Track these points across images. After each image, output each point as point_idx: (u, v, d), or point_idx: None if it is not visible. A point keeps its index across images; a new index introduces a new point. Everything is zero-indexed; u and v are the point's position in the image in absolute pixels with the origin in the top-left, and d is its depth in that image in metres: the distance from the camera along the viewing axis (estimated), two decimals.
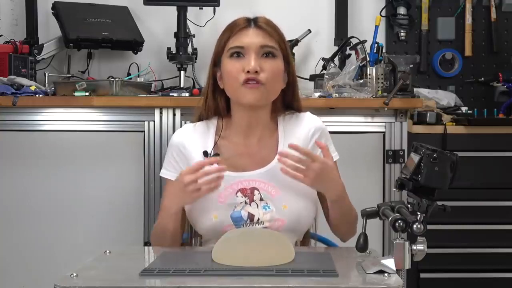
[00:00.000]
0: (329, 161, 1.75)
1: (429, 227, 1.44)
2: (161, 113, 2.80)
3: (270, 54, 1.81)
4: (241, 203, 1.79)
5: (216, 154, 1.85)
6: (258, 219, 1.78)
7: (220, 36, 1.86)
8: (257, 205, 1.79)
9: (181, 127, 2.04)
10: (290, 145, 1.71)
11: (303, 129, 1.89)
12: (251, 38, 1.81)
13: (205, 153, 1.86)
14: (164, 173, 1.92)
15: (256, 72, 1.77)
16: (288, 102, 1.92)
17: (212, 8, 3.13)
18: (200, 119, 1.93)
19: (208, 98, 1.90)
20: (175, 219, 1.78)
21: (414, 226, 1.41)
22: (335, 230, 1.91)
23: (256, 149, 1.87)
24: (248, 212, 1.79)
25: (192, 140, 1.89)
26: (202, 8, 3.20)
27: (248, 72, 1.77)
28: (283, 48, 1.85)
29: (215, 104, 1.90)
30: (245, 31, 1.82)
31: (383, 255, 1.52)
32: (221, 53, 1.84)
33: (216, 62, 1.87)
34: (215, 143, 1.87)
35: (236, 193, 1.80)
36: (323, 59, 3.22)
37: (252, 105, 1.82)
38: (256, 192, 1.80)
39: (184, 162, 1.88)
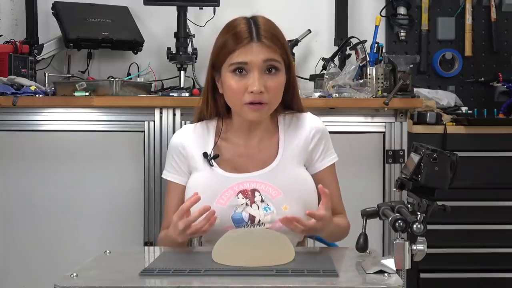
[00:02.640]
0: (328, 213, 1.71)
1: (429, 227, 1.44)
2: (161, 113, 2.79)
3: (273, 69, 1.78)
4: (242, 204, 1.79)
5: (216, 156, 1.85)
6: (259, 220, 1.78)
7: (220, 40, 1.81)
8: (258, 206, 1.79)
9: (181, 127, 2.04)
10: (308, 213, 1.68)
11: (304, 130, 1.89)
12: (255, 54, 1.75)
13: (205, 155, 1.85)
14: (166, 174, 1.92)
15: (261, 92, 1.75)
16: (288, 102, 1.92)
17: (212, 8, 3.13)
18: (200, 120, 1.93)
19: (207, 100, 1.90)
20: (183, 244, 1.78)
21: (414, 226, 1.41)
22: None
23: (257, 150, 1.87)
24: (249, 214, 1.79)
25: (192, 141, 1.89)
26: (202, 8, 3.20)
27: (252, 92, 1.75)
28: (285, 58, 1.81)
29: (214, 105, 1.89)
30: (248, 46, 1.75)
31: (383, 255, 1.52)
32: (222, 62, 1.79)
33: (215, 67, 1.84)
34: (215, 144, 1.87)
35: (237, 195, 1.80)
36: (323, 59, 3.22)
37: (255, 122, 1.82)
38: (256, 193, 1.80)
39: (184, 163, 1.89)
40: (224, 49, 1.79)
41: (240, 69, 1.77)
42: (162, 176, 1.94)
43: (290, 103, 1.92)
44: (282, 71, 1.81)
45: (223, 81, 1.81)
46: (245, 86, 1.76)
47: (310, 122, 1.91)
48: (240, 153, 1.87)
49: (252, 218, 1.78)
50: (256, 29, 1.78)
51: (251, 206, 1.79)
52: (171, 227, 1.72)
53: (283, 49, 1.81)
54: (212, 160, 1.84)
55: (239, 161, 1.86)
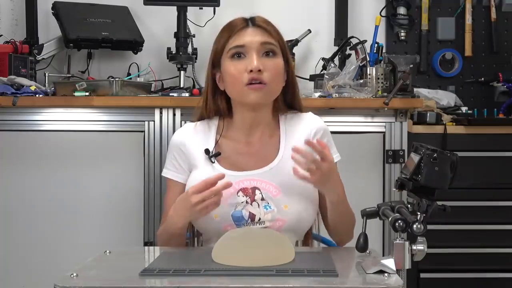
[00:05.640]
0: (332, 162, 1.73)
1: (429, 227, 1.44)
2: (161, 113, 2.79)
3: (270, 53, 1.81)
4: (242, 202, 1.79)
5: (218, 153, 1.85)
6: (259, 219, 1.79)
7: (218, 38, 1.85)
8: (258, 204, 1.80)
9: (181, 127, 2.04)
10: (306, 142, 1.68)
11: (305, 129, 1.89)
12: (251, 36, 1.80)
13: (207, 151, 1.86)
14: (166, 172, 1.93)
15: (259, 71, 1.77)
16: (289, 102, 1.92)
17: (212, 8, 3.13)
18: (200, 119, 1.94)
19: (208, 99, 1.90)
20: (182, 231, 1.78)
21: (414, 226, 1.41)
22: (332, 233, 1.91)
23: (258, 148, 1.87)
24: (249, 212, 1.79)
25: (193, 139, 1.89)
26: (202, 8, 3.20)
27: (251, 71, 1.77)
28: (282, 46, 1.85)
29: (215, 105, 1.90)
30: (244, 31, 1.81)
31: (383, 255, 1.52)
32: (221, 54, 1.83)
33: (214, 64, 1.86)
34: (216, 142, 1.87)
35: (237, 193, 1.80)
36: (323, 59, 3.22)
37: (256, 104, 1.82)
38: (257, 191, 1.80)
39: (184, 161, 1.89)
40: (221, 41, 1.83)
41: (239, 54, 1.80)
42: (162, 174, 1.94)
43: (291, 103, 1.92)
44: (280, 56, 1.83)
45: (223, 71, 1.83)
46: (244, 67, 1.78)
47: (311, 121, 1.91)
48: (241, 151, 1.87)
49: (252, 216, 1.79)
50: (251, 19, 1.84)
51: (251, 204, 1.80)
52: (177, 203, 1.73)
53: (280, 37, 1.85)
54: (213, 158, 1.85)
55: (240, 159, 1.86)
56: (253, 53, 1.79)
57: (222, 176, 1.67)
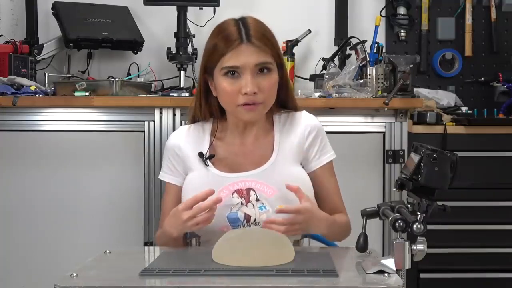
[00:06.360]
0: (308, 204, 1.71)
1: (429, 227, 1.44)
2: (161, 113, 2.80)
3: (265, 69, 1.78)
4: (237, 204, 1.79)
5: (212, 156, 1.85)
6: (255, 219, 1.79)
7: (210, 44, 1.81)
8: (253, 205, 1.80)
9: (177, 129, 2.04)
10: (278, 210, 1.68)
11: (299, 128, 1.89)
12: (246, 57, 1.76)
13: (200, 155, 1.86)
14: (162, 175, 1.93)
15: (254, 93, 1.76)
16: (282, 102, 1.92)
17: (212, 8, 3.13)
18: (194, 121, 1.94)
19: (200, 103, 1.90)
20: (178, 239, 1.78)
21: (414, 226, 1.41)
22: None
23: (252, 149, 1.87)
24: (245, 213, 1.79)
25: (188, 142, 1.90)
26: (202, 8, 3.20)
27: (245, 93, 1.75)
28: (276, 58, 1.82)
29: (208, 108, 1.90)
30: (239, 48, 1.76)
31: (383, 255, 1.52)
32: (214, 65, 1.80)
33: (207, 70, 1.84)
34: (211, 144, 1.88)
35: (232, 194, 1.80)
36: (323, 59, 3.22)
37: (250, 122, 1.83)
38: (252, 192, 1.80)
39: (180, 164, 1.89)
40: (215, 53, 1.79)
41: (233, 72, 1.77)
42: (159, 177, 1.95)
43: (285, 102, 1.92)
44: (274, 70, 1.81)
45: (216, 84, 1.81)
46: (238, 88, 1.76)
47: (305, 120, 1.91)
48: (235, 152, 1.87)
49: (247, 217, 1.79)
50: (245, 30, 1.78)
51: (246, 205, 1.80)
52: (170, 218, 1.73)
53: (274, 49, 1.81)
54: (207, 160, 1.85)
55: (235, 160, 1.86)
56: (248, 75, 1.75)
57: (211, 192, 1.67)
